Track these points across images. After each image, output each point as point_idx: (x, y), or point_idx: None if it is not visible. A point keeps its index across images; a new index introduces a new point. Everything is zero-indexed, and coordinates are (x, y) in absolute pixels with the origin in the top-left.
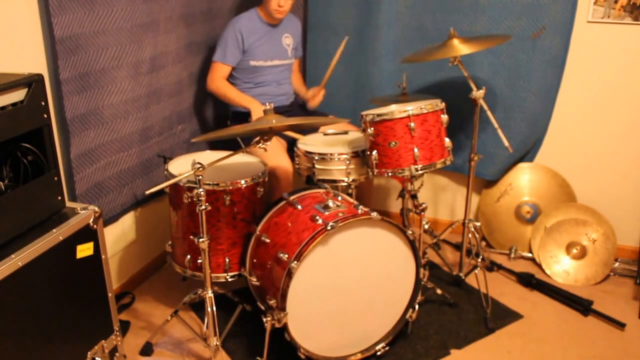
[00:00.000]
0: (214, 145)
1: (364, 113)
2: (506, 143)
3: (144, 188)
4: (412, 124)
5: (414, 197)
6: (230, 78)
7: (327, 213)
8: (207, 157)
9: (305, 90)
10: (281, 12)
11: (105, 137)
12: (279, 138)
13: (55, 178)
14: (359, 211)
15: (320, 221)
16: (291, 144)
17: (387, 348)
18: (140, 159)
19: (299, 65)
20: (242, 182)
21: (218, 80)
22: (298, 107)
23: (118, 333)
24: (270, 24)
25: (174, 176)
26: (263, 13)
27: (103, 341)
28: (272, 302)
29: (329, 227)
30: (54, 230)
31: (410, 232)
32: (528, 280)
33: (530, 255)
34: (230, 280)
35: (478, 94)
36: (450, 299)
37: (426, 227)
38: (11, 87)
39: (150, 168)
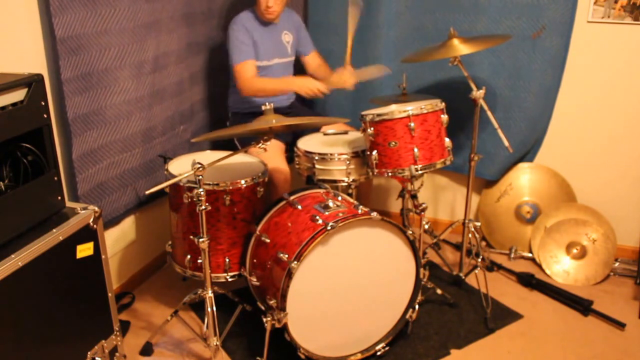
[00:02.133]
0: (215, 146)
1: (364, 113)
2: (506, 143)
3: (146, 188)
4: (412, 124)
5: (414, 197)
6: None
7: (327, 213)
8: (207, 157)
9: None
10: (271, 12)
11: (107, 138)
12: (278, 141)
13: (55, 178)
14: (359, 211)
15: (320, 221)
16: (290, 145)
17: (387, 348)
18: (144, 159)
19: (320, 57)
20: (242, 182)
21: (250, 80)
22: (298, 107)
23: (118, 333)
24: (268, 22)
25: (174, 176)
26: (259, 14)
27: (103, 341)
28: (272, 302)
29: (329, 227)
30: (54, 230)
31: (410, 232)
32: (528, 280)
33: (530, 255)
34: (230, 280)
35: (478, 94)
36: (450, 299)
37: (426, 227)
38: (11, 87)
39: (153, 169)
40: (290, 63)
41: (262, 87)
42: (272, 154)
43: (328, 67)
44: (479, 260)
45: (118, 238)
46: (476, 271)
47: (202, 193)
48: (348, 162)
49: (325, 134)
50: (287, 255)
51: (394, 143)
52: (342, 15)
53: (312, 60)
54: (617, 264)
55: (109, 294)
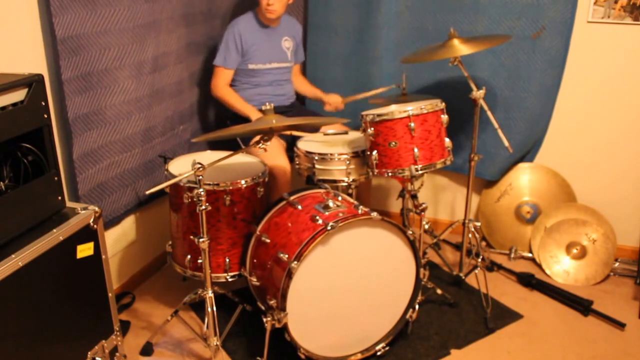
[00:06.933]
0: (215, 146)
1: (364, 113)
2: (506, 143)
3: (146, 188)
4: (412, 124)
5: (414, 197)
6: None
7: (327, 213)
8: (208, 157)
9: (322, 92)
10: (271, 11)
11: (107, 138)
12: (278, 138)
13: (56, 178)
14: (359, 211)
15: (320, 221)
16: (291, 144)
17: (387, 348)
18: (143, 159)
19: (300, 69)
20: (242, 182)
21: (222, 87)
22: (298, 107)
23: (118, 333)
24: (269, 26)
25: (174, 176)
26: (261, 15)
27: (103, 341)
28: (272, 302)
29: (329, 227)
30: (55, 230)
31: (411, 232)
32: (528, 280)
33: (530, 255)
34: (230, 280)
35: (478, 94)
36: (450, 299)
37: (426, 227)
38: (11, 87)
39: (153, 168)
40: (289, 68)
41: (227, 100)
42: (272, 150)
43: (306, 80)
44: (479, 260)
45: (118, 238)
46: (476, 271)
47: (202, 193)
48: (348, 162)
49: (325, 134)
50: (287, 255)
51: (394, 143)
52: (342, 16)
53: (295, 70)
54: (617, 264)
55: (109, 294)
